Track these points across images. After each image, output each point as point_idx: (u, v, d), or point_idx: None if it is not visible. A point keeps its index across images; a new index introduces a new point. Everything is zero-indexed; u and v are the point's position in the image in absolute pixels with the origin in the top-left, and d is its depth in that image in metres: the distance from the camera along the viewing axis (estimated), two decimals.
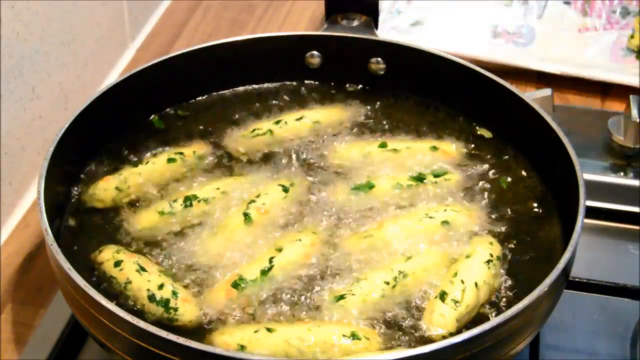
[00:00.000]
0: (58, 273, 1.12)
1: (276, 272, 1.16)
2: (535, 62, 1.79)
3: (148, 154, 1.36)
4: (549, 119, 1.30)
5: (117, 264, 1.17)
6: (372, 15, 1.53)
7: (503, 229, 1.26)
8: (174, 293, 1.13)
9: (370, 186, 1.29)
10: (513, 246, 1.23)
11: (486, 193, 1.31)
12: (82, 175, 1.32)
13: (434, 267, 1.18)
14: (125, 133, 1.40)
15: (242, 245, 1.21)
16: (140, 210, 1.27)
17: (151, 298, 1.13)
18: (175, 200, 1.26)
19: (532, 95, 1.43)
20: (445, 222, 1.24)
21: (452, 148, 1.37)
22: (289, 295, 1.15)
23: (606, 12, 1.93)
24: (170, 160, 1.34)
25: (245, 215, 1.24)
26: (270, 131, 1.40)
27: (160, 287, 1.14)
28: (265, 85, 1.51)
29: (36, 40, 1.48)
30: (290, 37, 1.49)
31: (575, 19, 1.92)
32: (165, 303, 1.12)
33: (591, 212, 1.42)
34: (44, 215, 1.14)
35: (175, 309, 1.12)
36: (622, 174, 1.53)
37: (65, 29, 1.57)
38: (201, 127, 1.42)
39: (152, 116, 1.43)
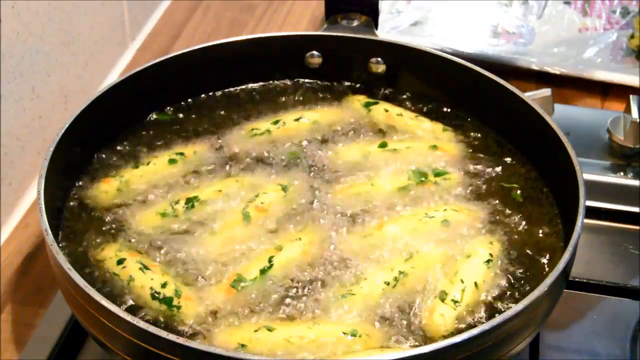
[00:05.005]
0: (58, 273, 1.12)
1: (276, 271, 1.16)
2: (535, 62, 1.79)
3: (149, 155, 1.36)
4: (549, 119, 1.30)
5: (120, 261, 1.17)
6: (372, 15, 1.53)
7: (503, 228, 1.26)
8: (177, 292, 1.13)
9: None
10: (513, 246, 1.23)
11: (486, 193, 1.31)
12: (82, 176, 1.32)
13: (434, 266, 1.18)
14: (125, 133, 1.40)
15: (242, 245, 1.21)
16: (142, 212, 1.27)
17: (154, 296, 1.13)
18: (177, 202, 1.26)
19: (532, 95, 1.43)
20: (445, 222, 1.24)
21: (452, 147, 1.37)
22: (288, 294, 1.15)
23: (606, 12, 1.93)
24: (171, 161, 1.34)
25: (245, 214, 1.24)
26: (269, 131, 1.40)
27: (164, 285, 1.14)
28: (265, 85, 1.51)
29: (36, 40, 1.48)
30: (290, 37, 1.49)
31: (575, 19, 1.92)
32: (168, 301, 1.12)
33: (591, 212, 1.42)
34: (44, 215, 1.13)
35: (178, 307, 1.12)
36: (622, 174, 1.53)
37: (65, 29, 1.57)
38: (201, 128, 1.42)
39: (152, 116, 1.43)
